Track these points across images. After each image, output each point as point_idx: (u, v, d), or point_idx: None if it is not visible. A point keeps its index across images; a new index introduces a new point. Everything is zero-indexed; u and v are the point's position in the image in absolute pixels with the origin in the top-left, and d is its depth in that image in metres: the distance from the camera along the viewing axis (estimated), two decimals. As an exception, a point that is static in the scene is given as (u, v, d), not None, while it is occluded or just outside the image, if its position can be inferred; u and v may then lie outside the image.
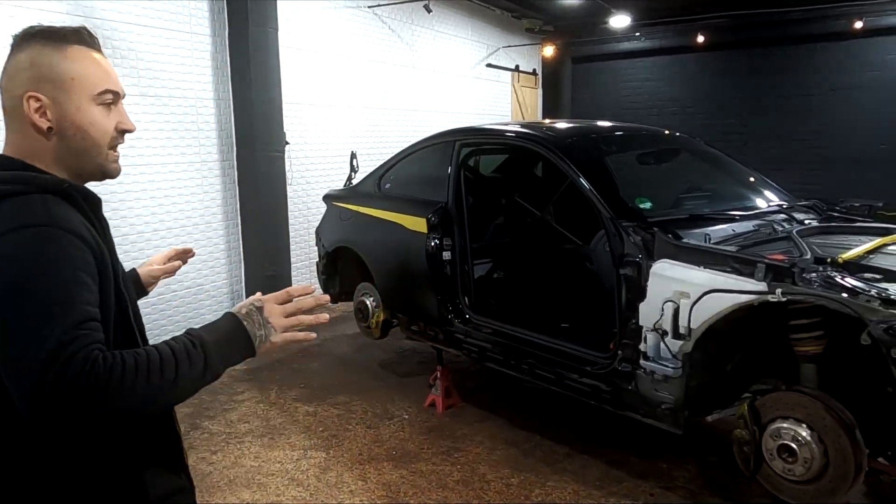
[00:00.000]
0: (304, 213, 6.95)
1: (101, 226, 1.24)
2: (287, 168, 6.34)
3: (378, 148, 7.50)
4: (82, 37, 1.25)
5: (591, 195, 3.25)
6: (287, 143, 6.30)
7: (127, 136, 1.31)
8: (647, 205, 3.33)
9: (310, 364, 5.16)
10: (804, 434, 2.55)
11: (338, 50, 7.25)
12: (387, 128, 8.02)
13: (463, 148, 4.11)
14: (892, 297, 2.37)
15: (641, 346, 2.97)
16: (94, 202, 1.24)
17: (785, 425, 2.61)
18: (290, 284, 6.34)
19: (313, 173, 7.03)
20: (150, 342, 1.24)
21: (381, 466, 3.54)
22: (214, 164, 5.96)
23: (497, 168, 5.15)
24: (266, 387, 4.69)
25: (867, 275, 2.60)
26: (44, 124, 1.19)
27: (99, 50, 1.28)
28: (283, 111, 6.18)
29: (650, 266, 2.92)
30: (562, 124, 4.42)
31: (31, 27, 1.24)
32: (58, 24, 1.26)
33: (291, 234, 6.55)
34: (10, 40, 1.24)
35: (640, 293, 2.95)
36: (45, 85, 1.19)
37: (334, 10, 7.16)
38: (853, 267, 2.64)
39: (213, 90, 5.88)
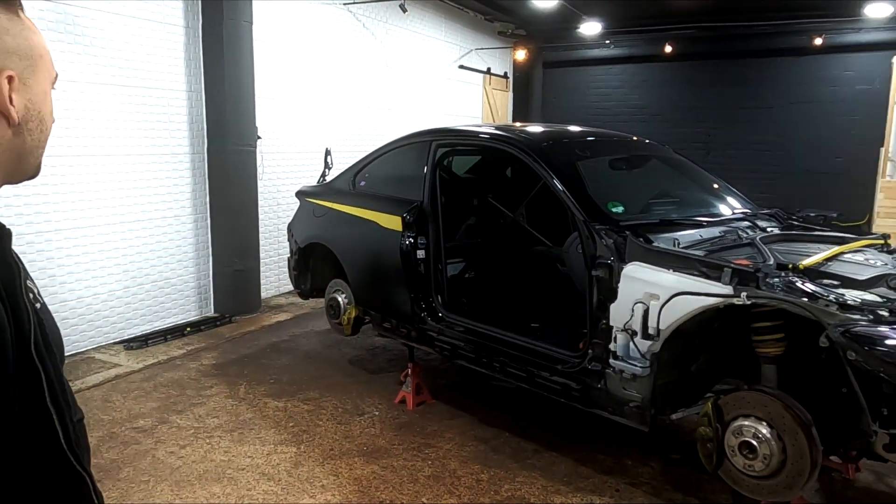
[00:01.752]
0: (275, 208, 6.92)
1: (7, 270, 0.90)
2: (258, 163, 6.31)
3: (350, 145, 7.50)
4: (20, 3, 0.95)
5: (565, 198, 3.34)
6: (259, 137, 6.26)
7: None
8: (620, 209, 3.42)
9: (279, 360, 5.15)
10: (764, 432, 2.67)
11: (312, 46, 7.22)
12: (359, 125, 8.03)
13: (439, 148, 4.16)
14: (849, 302, 2.51)
15: (611, 346, 3.06)
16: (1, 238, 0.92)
17: (746, 423, 2.72)
18: (258, 279, 6.37)
19: (284, 169, 6.99)
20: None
21: (353, 462, 3.57)
22: (185, 156, 5.89)
23: (470, 169, 5.21)
24: (235, 382, 4.66)
25: (825, 281, 2.74)
26: (14, 113, 0.91)
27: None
28: (256, 105, 6.14)
29: (621, 268, 3.02)
30: (537, 128, 4.50)
31: None
32: None
33: (261, 230, 6.52)
34: None
35: (612, 294, 3.04)
36: (16, 61, 0.91)
37: (310, 5, 7.14)
38: (812, 273, 2.78)
39: (185, 82, 5.82)
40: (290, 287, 6.68)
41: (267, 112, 6.56)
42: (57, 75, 1.01)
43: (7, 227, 0.94)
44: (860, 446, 2.78)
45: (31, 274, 0.97)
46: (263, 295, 6.64)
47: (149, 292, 5.68)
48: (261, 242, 6.50)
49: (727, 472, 2.83)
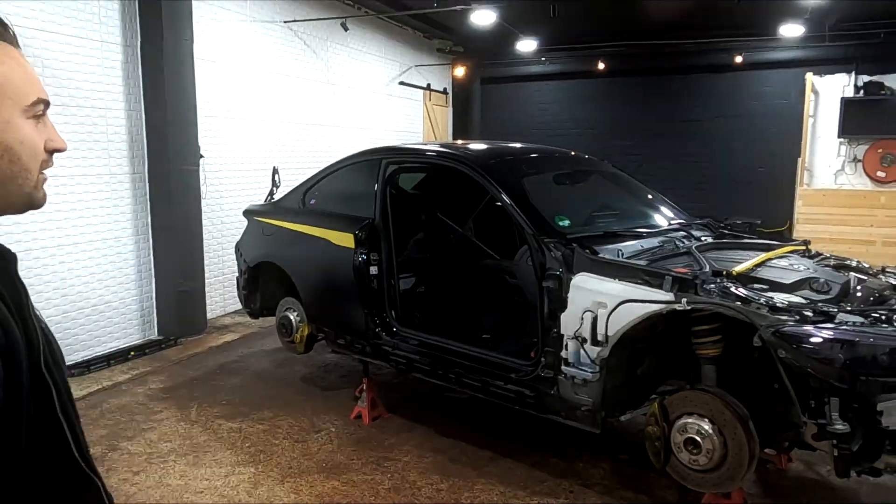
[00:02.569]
0: (219, 226, 6.83)
1: (15, 292, 0.96)
2: (202, 182, 6.23)
3: (294, 162, 7.50)
4: (3, 31, 0.99)
5: (514, 213, 3.48)
6: (202, 156, 6.19)
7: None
8: (566, 222, 3.59)
9: (230, 380, 5.09)
10: (707, 427, 2.86)
11: (254, 64, 7.20)
12: (303, 143, 8.02)
13: (389, 166, 4.24)
14: (778, 304, 2.73)
15: (563, 353, 3.20)
16: (6, 261, 0.98)
17: (690, 420, 2.90)
18: (203, 300, 6.28)
19: (227, 187, 6.93)
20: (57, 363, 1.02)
21: (313, 479, 3.58)
22: (125, 176, 5.77)
23: (416, 185, 5.31)
24: (185, 405, 4.59)
25: (756, 285, 2.97)
26: None
27: (20, 47, 1.04)
28: (199, 124, 6.08)
29: (570, 279, 3.17)
30: (484, 146, 4.65)
31: None
32: None
33: (206, 249, 6.43)
34: None
35: (562, 304, 3.19)
36: None
37: (250, 23, 7.12)
38: (744, 279, 3.01)
39: (125, 101, 5.71)
40: (237, 307, 6.61)
41: (210, 131, 6.49)
42: (39, 101, 1.00)
43: (12, 250, 0.98)
44: (791, 437, 3.01)
45: None
46: (209, 315, 6.53)
47: (89, 317, 5.52)
48: (205, 262, 6.41)
49: (674, 468, 3.00)
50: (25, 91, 0.98)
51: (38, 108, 0.99)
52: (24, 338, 0.92)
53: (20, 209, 1.01)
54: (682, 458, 2.95)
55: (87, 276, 5.48)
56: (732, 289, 2.83)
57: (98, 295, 5.60)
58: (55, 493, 1.00)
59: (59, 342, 1.06)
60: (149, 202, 5.93)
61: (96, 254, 5.55)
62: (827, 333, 2.58)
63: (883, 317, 2.71)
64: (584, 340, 3.11)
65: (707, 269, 3.02)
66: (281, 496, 3.41)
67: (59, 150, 1.05)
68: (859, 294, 3.08)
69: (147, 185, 5.91)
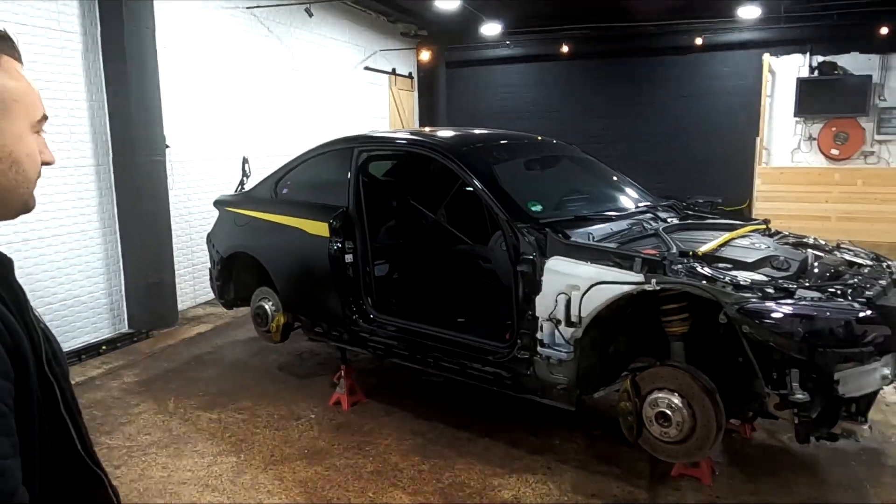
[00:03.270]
0: (187, 218, 6.76)
1: (14, 295, 1.00)
2: (169, 172, 6.16)
3: (261, 150, 7.43)
4: (10, 45, 1.03)
5: (488, 200, 3.56)
6: (168, 146, 6.11)
7: None
8: (538, 207, 3.68)
9: (205, 371, 5.09)
10: (676, 401, 3.00)
11: (218, 51, 7.10)
12: (270, 131, 7.94)
13: (362, 154, 4.27)
14: (741, 282, 2.87)
15: (538, 335, 3.31)
16: (4, 267, 1.01)
17: (661, 395, 3.04)
18: (174, 292, 6.24)
19: (196, 177, 6.84)
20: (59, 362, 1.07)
21: (295, 465, 3.64)
22: (89, 168, 5.67)
23: (387, 172, 5.34)
24: (162, 397, 4.58)
25: (720, 265, 3.11)
26: None
27: (23, 63, 1.07)
28: (163, 113, 5.99)
29: (544, 263, 3.27)
30: (455, 133, 4.69)
31: None
32: None
33: (175, 240, 6.36)
34: None
35: (536, 287, 3.29)
36: None
37: (213, 9, 7.00)
38: (709, 258, 3.14)
39: (86, 92, 5.59)
40: (208, 297, 6.58)
41: (175, 120, 6.40)
42: (45, 117, 1.07)
43: (8, 256, 1.03)
44: (755, 408, 3.18)
45: None
46: (181, 307, 6.48)
47: (57, 312, 5.44)
48: (175, 253, 6.34)
49: (646, 441, 3.14)
50: (35, 107, 1.04)
51: (42, 124, 1.06)
52: (28, 339, 0.96)
53: (13, 216, 1.06)
54: (653, 431, 3.09)
55: (54, 271, 5.40)
56: (699, 269, 2.96)
57: (66, 290, 5.52)
58: (63, 489, 1.05)
59: None
60: (115, 193, 5.84)
61: (62, 248, 5.46)
62: (787, 309, 2.73)
63: (839, 292, 2.87)
64: (559, 322, 3.21)
65: (674, 250, 3.14)
66: (265, 483, 3.46)
67: (48, 164, 1.10)
68: (816, 270, 3.24)
69: (112, 176, 5.82)
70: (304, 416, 4.27)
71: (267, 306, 4.72)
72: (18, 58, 1.04)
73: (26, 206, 1.06)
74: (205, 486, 3.45)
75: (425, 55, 11.57)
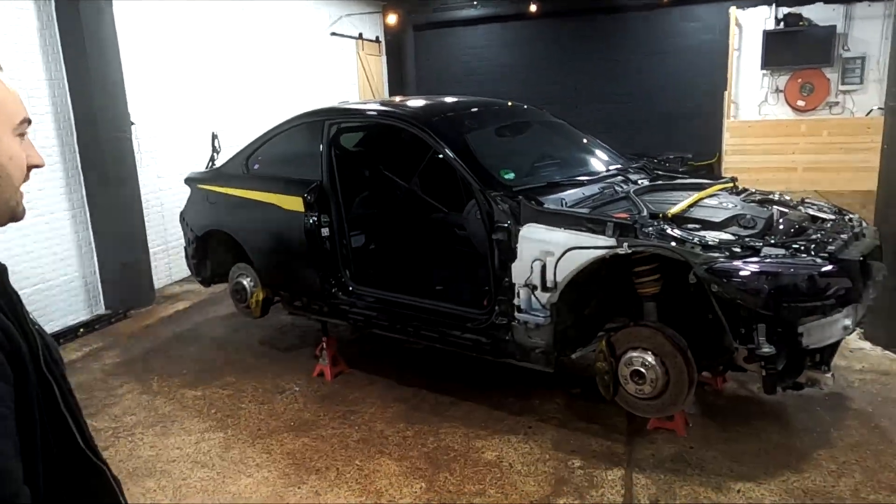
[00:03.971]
0: (159, 195, 6.67)
1: (10, 300, 1.02)
2: (136, 150, 6.05)
3: (229, 123, 7.31)
4: None
5: (461, 169, 3.58)
6: (133, 123, 5.99)
7: None
8: (511, 175, 3.72)
9: (186, 349, 5.11)
10: (650, 359, 3.10)
11: (180, 21, 6.91)
12: (237, 102, 7.80)
13: (332, 127, 4.25)
14: (710, 242, 2.95)
15: (515, 301, 3.38)
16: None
17: (635, 354, 3.15)
18: (149, 271, 6.19)
19: (164, 154, 6.73)
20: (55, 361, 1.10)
21: (282, 438, 3.71)
22: (53, 149, 5.55)
23: (357, 143, 5.31)
24: (145, 377, 4.60)
25: (689, 226, 3.19)
26: None
27: (3, 69, 1.07)
28: (126, 89, 5.86)
29: (518, 230, 3.32)
30: (426, 102, 4.67)
31: None
32: None
33: (146, 218, 6.29)
34: None
35: (512, 254, 3.35)
36: None
37: (170, -21, 6.79)
38: (679, 220, 3.22)
39: (45, 69, 5.44)
40: (184, 275, 6.55)
41: (139, 95, 6.26)
42: (25, 120, 1.06)
43: (1, 262, 1.04)
44: (725, 362, 3.31)
45: None
46: (157, 285, 6.45)
47: (31, 297, 5.37)
48: (147, 231, 6.28)
49: (622, 398, 3.26)
50: (15, 110, 1.04)
51: (24, 127, 1.06)
52: (26, 343, 0.99)
53: (2, 223, 1.06)
54: (629, 389, 3.20)
55: (25, 256, 5.32)
56: (668, 231, 3.03)
57: (38, 274, 5.45)
58: (67, 484, 1.09)
59: None
60: (81, 174, 5.73)
61: (31, 231, 5.37)
62: (753, 267, 2.82)
63: (802, 247, 2.97)
64: (535, 287, 3.28)
65: (645, 212, 3.21)
66: (253, 457, 3.53)
67: (37, 167, 1.11)
68: (781, 227, 3.34)
69: (77, 155, 5.70)
70: (288, 388, 4.32)
71: (245, 282, 4.73)
72: None
73: (14, 213, 1.06)
74: (194, 462, 3.50)
75: (392, 18, 11.38)
